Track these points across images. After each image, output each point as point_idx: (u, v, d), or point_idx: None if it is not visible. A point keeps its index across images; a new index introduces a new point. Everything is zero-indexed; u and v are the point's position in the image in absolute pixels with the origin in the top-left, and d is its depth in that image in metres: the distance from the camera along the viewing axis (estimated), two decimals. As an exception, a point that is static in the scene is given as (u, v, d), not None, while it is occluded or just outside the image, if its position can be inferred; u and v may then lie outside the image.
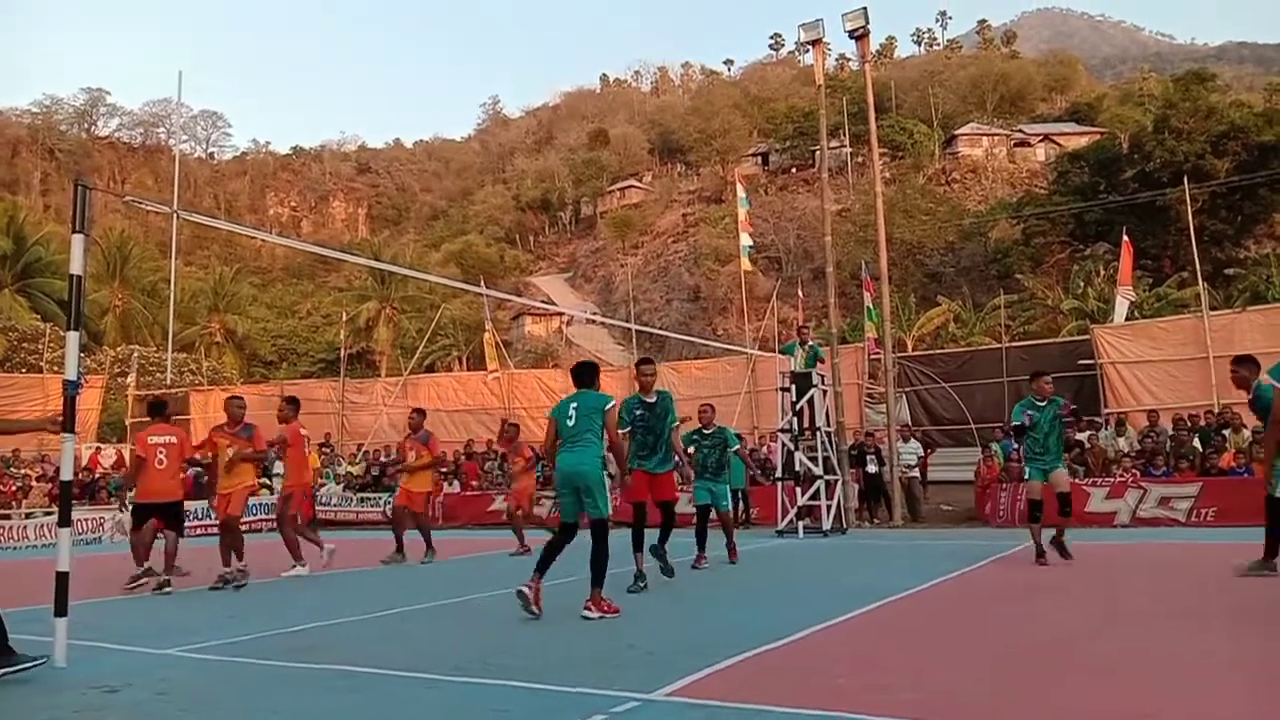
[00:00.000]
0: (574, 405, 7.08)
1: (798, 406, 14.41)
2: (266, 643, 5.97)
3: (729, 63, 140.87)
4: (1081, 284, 38.09)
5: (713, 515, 10.47)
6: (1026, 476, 9.76)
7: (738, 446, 11.61)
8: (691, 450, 10.42)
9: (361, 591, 8.18)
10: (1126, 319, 21.29)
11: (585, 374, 7.36)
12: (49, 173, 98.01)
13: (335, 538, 12.38)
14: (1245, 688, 4.16)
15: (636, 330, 34.87)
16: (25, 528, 16.85)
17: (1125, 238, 22.25)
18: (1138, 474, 14.48)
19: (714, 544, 10.15)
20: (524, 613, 6.51)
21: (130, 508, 10.03)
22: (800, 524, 14.24)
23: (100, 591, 8.85)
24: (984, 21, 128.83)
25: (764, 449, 18.78)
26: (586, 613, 6.71)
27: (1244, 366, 8.15)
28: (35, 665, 4.86)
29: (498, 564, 11.19)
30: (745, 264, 25.76)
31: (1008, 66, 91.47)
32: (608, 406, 7.11)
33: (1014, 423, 9.60)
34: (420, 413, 12.34)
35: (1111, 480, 14.49)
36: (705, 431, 10.60)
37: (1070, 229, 46.60)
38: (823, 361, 14.56)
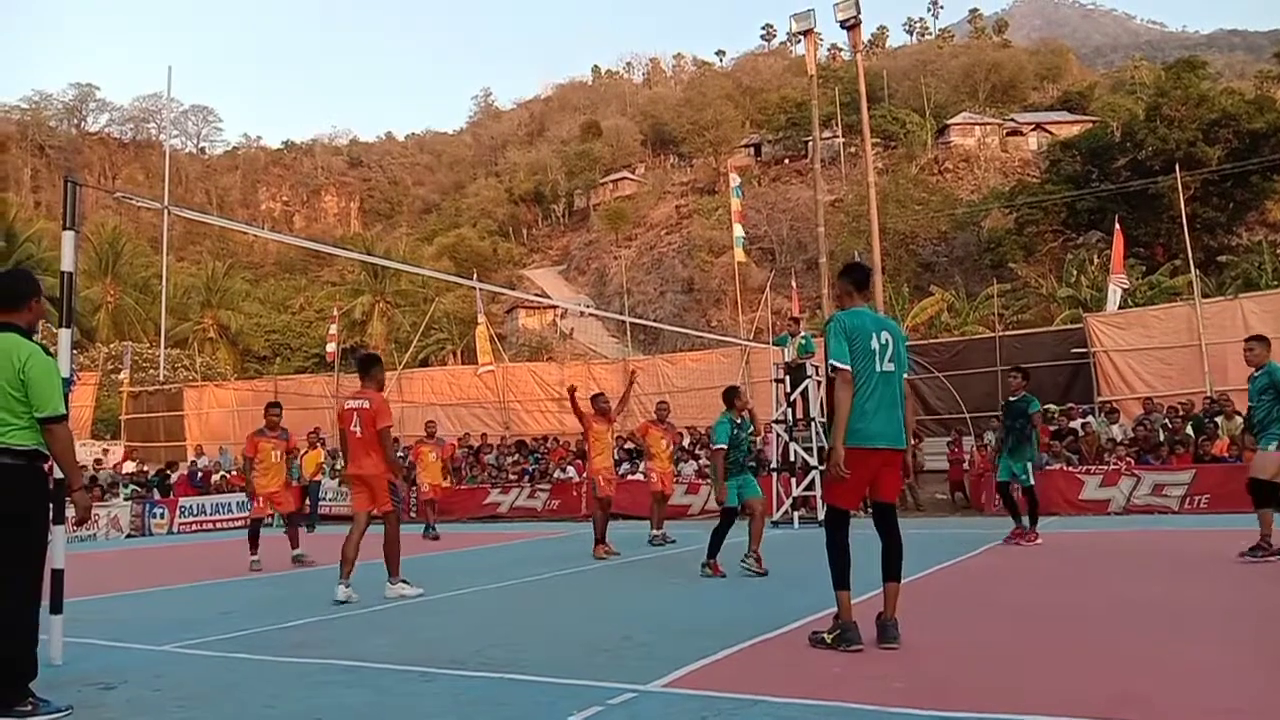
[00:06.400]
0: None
1: (791, 398, 14.47)
2: (263, 638, 5.98)
3: (721, 53, 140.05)
4: (1074, 272, 38.08)
5: None
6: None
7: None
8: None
9: (357, 586, 8.17)
10: (1119, 307, 21.31)
11: None
12: (39, 169, 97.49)
13: (332, 533, 12.36)
14: (1235, 675, 4.18)
15: (631, 323, 34.76)
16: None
17: (1118, 226, 22.26)
18: (1131, 461, 14.51)
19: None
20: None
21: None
22: (795, 514, 14.28)
23: (96, 588, 8.85)
24: (975, 10, 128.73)
25: (759, 440, 18.80)
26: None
27: (1259, 344, 8.51)
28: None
29: (492, 557, 11.22)
30: (739, 255, 25.71)
31: (999, 55, 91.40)
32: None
33: (718, 443, 8.66)
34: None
35: (1105, 468, 14.52)
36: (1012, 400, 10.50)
37: (1063, 218, 46.56)
38: (811, 355, 14.58)
